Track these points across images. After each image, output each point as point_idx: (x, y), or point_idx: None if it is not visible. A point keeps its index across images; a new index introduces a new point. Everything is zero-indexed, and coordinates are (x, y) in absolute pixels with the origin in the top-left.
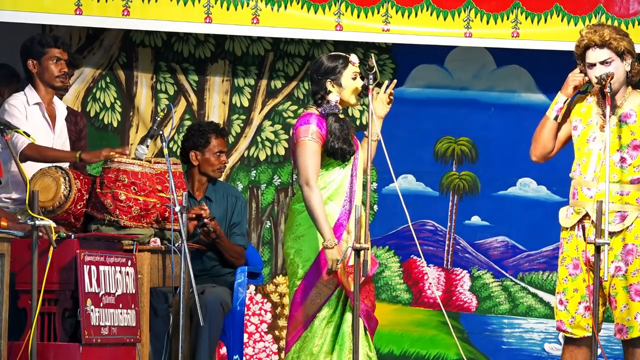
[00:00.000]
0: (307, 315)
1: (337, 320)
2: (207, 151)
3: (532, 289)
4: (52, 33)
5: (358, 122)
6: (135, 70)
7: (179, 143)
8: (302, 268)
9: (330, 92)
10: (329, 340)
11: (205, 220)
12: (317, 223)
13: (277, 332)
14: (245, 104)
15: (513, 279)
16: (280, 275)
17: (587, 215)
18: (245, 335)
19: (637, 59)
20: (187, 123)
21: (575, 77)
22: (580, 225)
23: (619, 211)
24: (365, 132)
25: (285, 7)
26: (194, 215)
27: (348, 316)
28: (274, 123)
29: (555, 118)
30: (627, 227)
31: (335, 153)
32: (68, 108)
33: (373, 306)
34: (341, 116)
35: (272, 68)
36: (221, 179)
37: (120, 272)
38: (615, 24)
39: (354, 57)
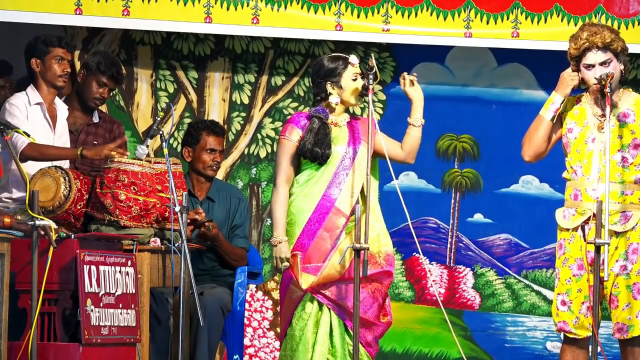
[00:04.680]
0: (288, 312)
1: (314, 319)
2: (199, 148)
3: (535, 287)
4: (55, 32)
5: None
6: (134, 67)
7: (179, 141)
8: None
9: (330, 94)
10: (306, 339)
11: (205, 222)
12: (272, 219)
13: (279, 330)
14: (246, 101)
15: (516, 276)
16: None
17: (590, 216)
18: (250, 330)
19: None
20: (187, 121)
21: (572, 78)
22: (581, 226)
23: (623, 211)
24: (408, 120)
25: (285, 7)
26: (189, 220)
27: (324, 316)
28: (275, 120)
29: (552, 118)
30: (633, 227)
31: (305, 154)
32: (104, 114)
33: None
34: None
35: (272, 65)
36: (220, 177)
37: (120, 272)
38: (615, 24)
39: (353, 58)
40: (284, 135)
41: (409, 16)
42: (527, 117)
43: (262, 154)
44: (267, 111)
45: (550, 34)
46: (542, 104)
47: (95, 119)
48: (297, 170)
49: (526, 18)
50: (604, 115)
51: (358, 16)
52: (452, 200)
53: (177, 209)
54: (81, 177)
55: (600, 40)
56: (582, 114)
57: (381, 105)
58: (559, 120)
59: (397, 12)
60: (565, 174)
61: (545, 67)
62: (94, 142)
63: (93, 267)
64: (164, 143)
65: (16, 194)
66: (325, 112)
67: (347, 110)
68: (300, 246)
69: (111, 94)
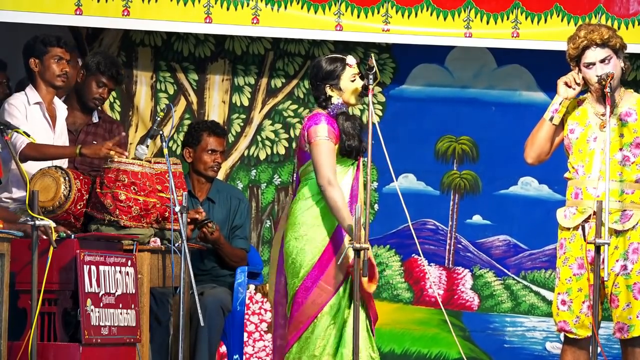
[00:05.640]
0: (308, 315)
1: (340, 322)
2: (199, 148)
3: (534, 287)
4: (52, 33)
5: None
6: (134, 69)
7: (179, 142)
8: (304, 268)
9: (330, 96)
10: (332, 342)
11: (208, 223)
12: (343, 221)
13: None
14: (245, 103)
15: (515, 277)
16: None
17: (591, 214)
18: (245, 335)
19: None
20: (187, 122)
21: (565, 77)
22: (582, 225)
23: (623, 210)
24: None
25: (285, 7)
26: (189, 220)
27: (350, 318)
28: (274, 122)
29: (551, 119)
30: (633, 226)
31: (351, 152)
32: (104, 114)
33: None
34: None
35: (272, 67)
36: (220, 178)
37: (120, 272)
38: (615, 24)
39: (350, 59)
40: (326, 135)
41: (409, 16)
42: (526, 119)
43: (262, 156)
44: (267, 113)
45: (550, 34)
46: (541, 105)
47: (95, 119)
48: None
49: (526, 18)
50: (605, 114)
51: (358, 16)
52: (451, 202)
53: (177, 209)
54: (81, 177)
55: (598, 37)
56: (583, 114)
57: (380, 107)
58: (561, 124)
59: (397, 12)
60: (567, 174)
61: (545, 67)
62: (94, 142)
63: (93, 267)
64: (163, 143)
65: (16, 194)
66: (345, 107)
67: None
68: (332, 249)
69: (108, 105)
